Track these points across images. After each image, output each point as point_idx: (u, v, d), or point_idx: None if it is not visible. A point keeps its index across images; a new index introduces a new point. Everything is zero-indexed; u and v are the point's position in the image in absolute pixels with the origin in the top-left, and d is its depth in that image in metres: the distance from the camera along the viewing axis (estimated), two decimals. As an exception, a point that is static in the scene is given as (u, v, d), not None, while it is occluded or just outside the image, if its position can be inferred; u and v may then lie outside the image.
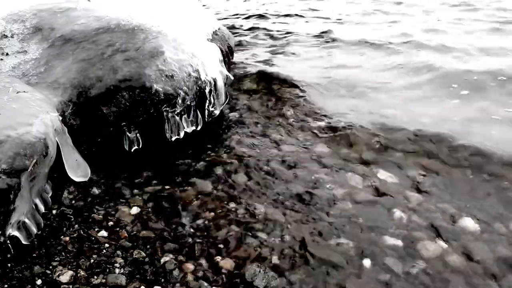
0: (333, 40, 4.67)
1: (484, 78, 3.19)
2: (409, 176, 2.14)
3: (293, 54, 4.23)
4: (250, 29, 5.39)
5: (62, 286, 1.47)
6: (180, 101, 2.22)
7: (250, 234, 1.78)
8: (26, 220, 1.57)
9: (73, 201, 1.89)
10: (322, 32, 4.99)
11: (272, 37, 4.98)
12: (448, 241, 1.72)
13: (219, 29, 3.11)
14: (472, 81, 3.18)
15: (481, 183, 2.05)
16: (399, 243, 1.71)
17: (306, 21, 5.98)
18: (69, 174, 1.89)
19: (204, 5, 6.92)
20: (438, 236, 1.74)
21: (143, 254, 1.65)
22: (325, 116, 2.76)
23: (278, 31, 5.21)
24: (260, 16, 6.29)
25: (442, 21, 5.57)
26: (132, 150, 2.20)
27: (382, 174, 2.16)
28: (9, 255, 1.53)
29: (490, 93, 2.98)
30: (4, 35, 2.38)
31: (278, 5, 7.39)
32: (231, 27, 5.36)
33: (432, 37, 4.59)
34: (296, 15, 6.34)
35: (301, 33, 5.04)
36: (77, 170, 1.93)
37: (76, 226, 1.75)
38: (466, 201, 1.94)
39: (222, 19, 6.12)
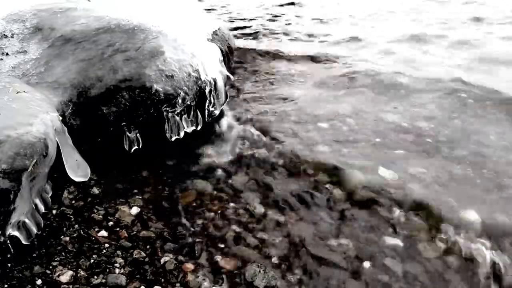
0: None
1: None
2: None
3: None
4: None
5: (62, 286, 1.48)
6: (180, 101, 2.22)
7: (250, 234, 1.78)
8: (26, 220, 1.57)
9: (73, 201, 1.89)
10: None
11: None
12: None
13: (219, 29, 3.11)
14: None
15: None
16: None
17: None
18: (69, 174, 1.89)
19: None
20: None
21: (143, 254, 1.65)
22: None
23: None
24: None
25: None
26: (132, 150, 2.20)
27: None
28: (9, 255, 1.53)
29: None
30: (4, 35, 2.38)
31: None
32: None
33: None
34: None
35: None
36: (77, 170, 1.92)
37: (76, 226, 1.75)
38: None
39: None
